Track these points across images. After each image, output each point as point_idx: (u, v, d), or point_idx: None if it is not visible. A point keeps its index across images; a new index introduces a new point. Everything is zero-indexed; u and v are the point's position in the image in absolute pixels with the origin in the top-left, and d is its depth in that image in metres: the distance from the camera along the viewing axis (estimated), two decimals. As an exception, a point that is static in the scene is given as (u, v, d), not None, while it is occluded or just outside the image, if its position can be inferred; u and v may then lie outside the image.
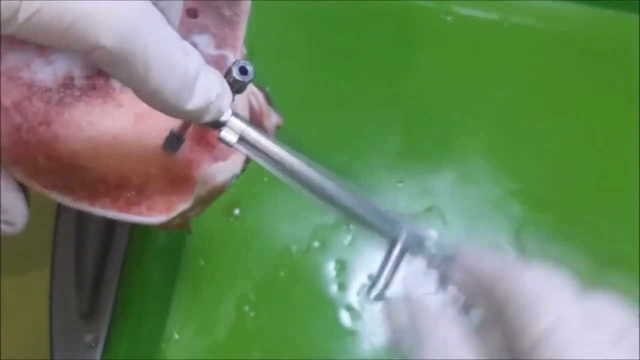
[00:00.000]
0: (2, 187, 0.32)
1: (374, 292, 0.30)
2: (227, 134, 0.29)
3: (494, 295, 0.26)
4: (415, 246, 0.30)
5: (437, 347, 0.26)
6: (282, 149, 0.30)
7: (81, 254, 0.49)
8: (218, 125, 0.29)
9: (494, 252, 0.28)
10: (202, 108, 0.28)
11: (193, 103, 0.27)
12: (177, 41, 0.27)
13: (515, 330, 0.24)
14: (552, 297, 0.25)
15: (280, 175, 0.30)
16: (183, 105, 0.27)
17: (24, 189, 0.33)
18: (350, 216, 0.30)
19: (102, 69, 0.26)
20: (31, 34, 0.24)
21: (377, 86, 0.59)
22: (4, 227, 0.32)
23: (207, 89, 0.28)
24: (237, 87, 0.29)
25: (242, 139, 0.30)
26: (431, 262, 0.30)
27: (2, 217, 0.32)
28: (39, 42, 0.24)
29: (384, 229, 0.30)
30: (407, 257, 0.30)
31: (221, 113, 0.29)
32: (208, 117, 0.28)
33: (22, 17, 0.23)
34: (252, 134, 0.30)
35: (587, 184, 0.57)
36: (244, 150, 0.30)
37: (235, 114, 0.29)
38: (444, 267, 0.29)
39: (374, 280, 0.30)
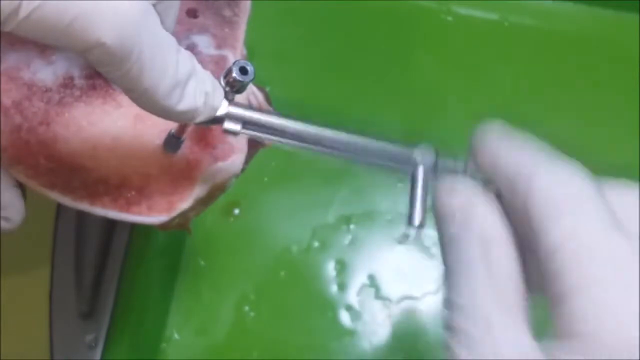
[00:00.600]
0: (0, 183, 0.32)
1: (417, 219, 0.29)
2: (230, 125, 0.29)
3: (515, 194, 0.25)
4: (434, 164, 0.30)
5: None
6: (286, 119, 0.30)
7: (81, 254, 0.49)
8: (218, 120, 0.29)
9: (515, 143, 0.28)
10: (193, 109, 0.28)
11: (184, 104, 0.27)
12: (171, 42, 0.27)
13: (535, 233, 0.24)
14: (571, 202, 0.24)
15: (290, 144, 0.30)
16: (174, 107, 0.27)
17: (21, 185, 0.33)
18: (365, 163, 0.30)
19: (97, 69, 0.26)
20: (31, 31, 0.24)
21: (376, 86, 0.59)
22: (2, 223, 0.32)
23: (197, 90, 0.28)
24: (237, 87, 0.29)
25: (246, 124, 0.29)
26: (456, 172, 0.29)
27: (1, 214, 0.32)
28: (39, 40, 0.24)
29: (401, 162, 0.30)
30: (431, 177, 0.30)
31: (215, 110, 0.29)
32: (201, 117, 0.28)
33: (22, 13, 0.23)
34: (254, 116, 0.29)
35: (587, 184, 0.57)
36: (250, 133, 0.30)
37: (233, 103, 0.29)
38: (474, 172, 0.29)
39: (409, 213, 0.29)
